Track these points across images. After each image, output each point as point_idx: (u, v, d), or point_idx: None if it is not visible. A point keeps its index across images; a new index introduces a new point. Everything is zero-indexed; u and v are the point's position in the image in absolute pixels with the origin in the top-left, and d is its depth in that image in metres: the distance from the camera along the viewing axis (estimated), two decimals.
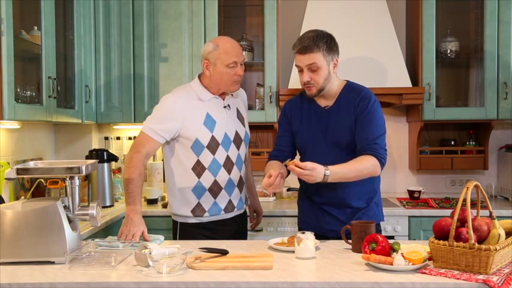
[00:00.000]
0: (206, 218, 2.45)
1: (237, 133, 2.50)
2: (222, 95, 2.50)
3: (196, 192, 2.42)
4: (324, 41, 2.29)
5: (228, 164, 2.45)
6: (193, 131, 2.38)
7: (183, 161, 2.42)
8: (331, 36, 2.34)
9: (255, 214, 2.84)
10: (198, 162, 2.40)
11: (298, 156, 2.49)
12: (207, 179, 2.42)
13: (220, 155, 2.43)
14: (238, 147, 2.50)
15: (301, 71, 2.34)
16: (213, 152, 2.41)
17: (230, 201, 2.48)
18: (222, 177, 2.44)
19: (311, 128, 2.38)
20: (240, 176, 2.52)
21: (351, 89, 2.38)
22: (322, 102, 2.40)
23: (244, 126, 2.59)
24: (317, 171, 2.10)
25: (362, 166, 2.22)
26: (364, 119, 2.29)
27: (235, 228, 2.55)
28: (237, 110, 2.57)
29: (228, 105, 2.51)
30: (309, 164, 2.09)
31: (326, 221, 2.37)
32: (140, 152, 2.36)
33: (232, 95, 2.56)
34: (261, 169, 3.61)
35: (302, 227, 2.46)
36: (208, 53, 2.43)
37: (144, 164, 2.37)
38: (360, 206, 2.36)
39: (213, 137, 2.40)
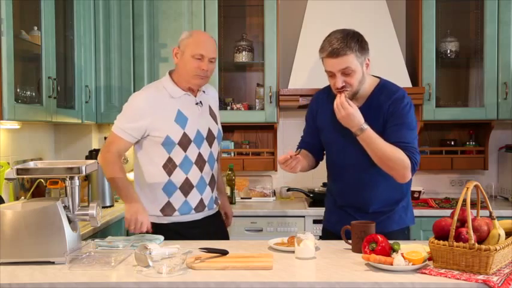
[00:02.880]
0: (176, 217, 2.39)
1: (209, 130, 2.46)
2: (193, 91, 2.44)
3: (166, 191, 2.37)
4: (355, 41, 2.14)
5: (200, 162, 2.40)
6: (163, 129, 2.33)
7: (154, 158, 2.37)
8: (360, 34, 2.19)
9: (225, 215, 2.72)
10: (170, 160, 2.35)
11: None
12: (178, 177, 2.36)
13: (192, 152, 2.38)
14: (210, 145, 2.46)
15: (332, 75, 2.17)
16: (185, 149, 2.36)
17: (201, 200, 2.42)
18: (194, 174, 2.39)
19: (337, 127, 2.24)
20: (212, 174, 2.48)
21: (383, 90, 2.23)
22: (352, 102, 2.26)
23: (216, 123, 2.54)
24: (355, 119, 2.05)
25: (397, 155, 2.08)
26: (395, 121, 2.16)
27: (206, 230, 2.45)
28: (209, 107, 2.53)
29: (200, 101, 2.46)
30: (351, 108, 2.03)
31: (348, 223, 2.22)
32: (111, 151, 2.33)
33: (204, 91, 2.50)
34: (261, 169, 3.64)
35: (326, 226, 2.43)
36: (181, 40, 2.39)
37: (120, 160, 2.35)
38: (383, 210, 2.26)
39: (184, 134, 2.35)
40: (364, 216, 2.24)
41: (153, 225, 2.37)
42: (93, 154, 3.26)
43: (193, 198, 2.40)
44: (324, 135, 2.35)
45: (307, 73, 3.36)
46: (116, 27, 3.41)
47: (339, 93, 2.16)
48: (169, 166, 2.36)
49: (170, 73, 2.46)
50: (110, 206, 3.24)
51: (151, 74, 3.43)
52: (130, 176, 2.69)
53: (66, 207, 1.97)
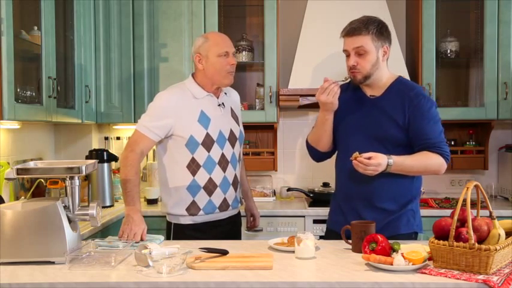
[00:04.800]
0: (201, 217, 2.44)
1: (231, 131, 2.50)
2: (216, 91, 2.49)
3: (191, 191, 2.41)
4: (375, 25, 2.23)
5: (223, 162, 2.45)
6: (187, 128, 2.38)
7: (178, 158, 2.41)
8: (384, 23, 2.28)
9: (251, 218, 2.82)
10: (193, 160, 2.40)
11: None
12: (202, 177, 2.41)
13: (215, 152, 2.42)
14: (233, 146, 2.50)
15: (348, 55, 2.26)
16: (208, 149, 2.40)
17: (225, 200, 2.47)
18: (217, 175, 2.43)
19: (352, 116, 2.29)
20: (235, 174, 2.51)
21: (402, 83, 2.29)
22: (368, 92, 2.30)
23: (238, 125, 2.59)
24: (381, 166, 2.08)
25: (429, 162, 2.18)
26: (421, 119, 2.20)
27: (229, 229, 2.54)
28: (231, 109, 2.58)
29: (223, 103, 2.51)
30: (373, 161, 2.06)
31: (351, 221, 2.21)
32: (135, 151, 2.35)
33: (225, 93, 2.55)
34: (261, 169, 3.64)
35: (330, 226, 2.41)
36: (199, 46, 2.44)
37: (139, 163, 2.38)
38: (391, 208, 2.24)
39: (207, 134, 2.40)
40: (371, 213, 2.22)
41: (178, 226, 2.45)
42: (93, 154, 3.26)
43: (217, 197, 2.44)
44: (334, 125, 2.33)
45: (307, 73, 3.36)
46: (116, 26, 3.41)
47: (351, 73, 2.25)
48: (193, 166, 2.40)
49: (193, 75, 2.51)
50: (110, 206, 3.24)
51: (151, 73, 3.43)
52: None
53: (66, 207, 1.97)
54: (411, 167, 2.18)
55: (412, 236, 2.30)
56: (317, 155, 2.45)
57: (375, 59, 2.23)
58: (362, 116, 2.28)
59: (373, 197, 2.24)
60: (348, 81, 2.30)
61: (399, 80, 2.31)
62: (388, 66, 2.32)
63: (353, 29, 2.23)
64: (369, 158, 2.07)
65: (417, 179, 2.31)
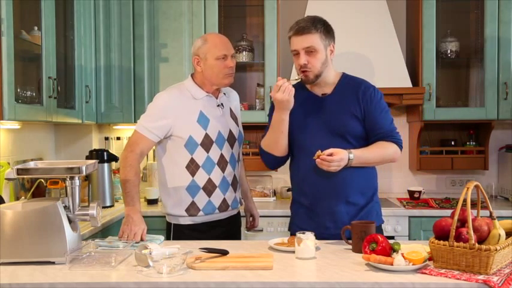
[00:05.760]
0: (200, 217, 2.44)
1: (230, 132, 2.50)
2: (215, 92, 2.49)
3: (190, 191, 2.41)
4: (322, 23, 2.27)
5: (222, 163, 2.44)
6: (186, 129, 2.38)
7: (177, 159, 2.41)
8: (328, 22, 2.32)
9: (251, 218, 2.81)
10: (192, 161, 2.40)
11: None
12: (201, 177, 2.41)
13: (214, 153, 2.42)
14: (232, 146, 2.50)
15: (296, 54, 2.27)
16: (207, 149, 2.40)
17: (224, 200, 2.47)
18: (216, 175, 2.43)
19: (309, 116, 2.31)
20: (234, 175, 2.51)
21: (350, 79, 2.35)
22: (317, 91, 2.33)
23: (237, 125, 2.59)
24: (343, 161, 2.12)
25: (385, 151, 2.24)
26: (375, 110, 2.26)
27: (228, 229, 2.53)
28: (230, 110, 2.58)
29: (222, 104, 2.51)
30: (336, 157, 2.09)
31: (325, 224, 2.26)
32: (134, 151, 2.36)
33: (224, 93, 2.56)
34: (261, 169, 3.64)
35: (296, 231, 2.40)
36: (198, 48, 2.44)
37: (139, 163, 2.38)
38: (360, 202, 2.28)
39: (206, 135, 2.40)
40: (345, 208, 2.25)
41: (178, 226, 2.45)
42: (93, 154, 3.26)
43: (217, 198, 2.44)
44: (290, 127, 2.30)
45: None
46: (116, 27, 3.41)
47: (301, 73, 2.27)
48: (192, 167, 2.40)
49: (192, 76, 2.51)
50: (110, 206, 3.24)
51: (151, 74, 3.43)
52: None
53: (66, 207, 1.97)
54: (368, 159, 2.23)
55: (381, 228, 2.38)
56: (272, 161, 2.41)
57: (324, 57, 2.26)
58: (319, 114, 2.30)
59: (345, 191, 2.26)
60: (299, 80, 2.30)
61: (345, 76, 2.36)
62: (332, 63, 2.35)
63: (302, 28, 2.24)
64: (331, 155, 2.11)
65: (375, 171, 2.38)
